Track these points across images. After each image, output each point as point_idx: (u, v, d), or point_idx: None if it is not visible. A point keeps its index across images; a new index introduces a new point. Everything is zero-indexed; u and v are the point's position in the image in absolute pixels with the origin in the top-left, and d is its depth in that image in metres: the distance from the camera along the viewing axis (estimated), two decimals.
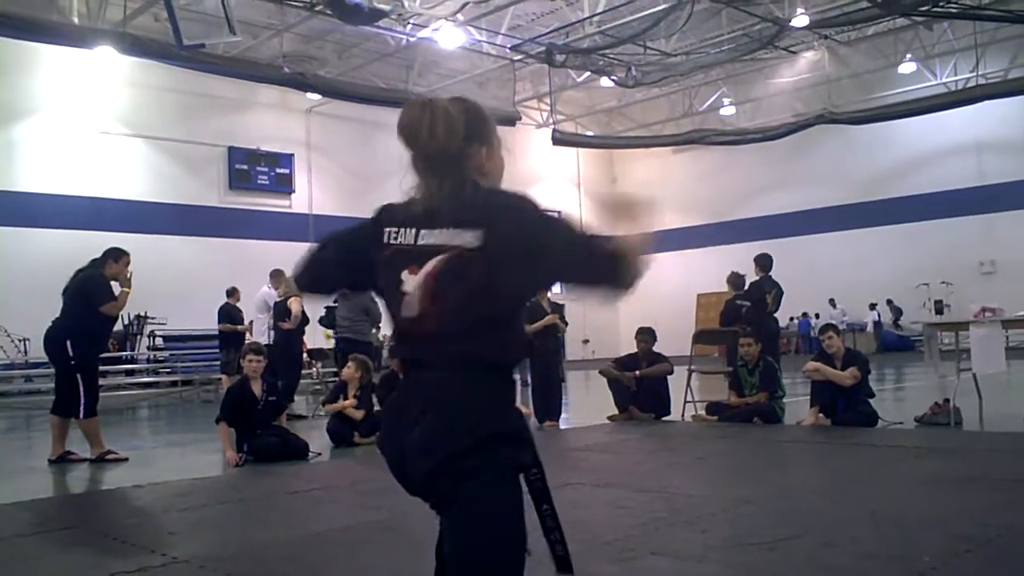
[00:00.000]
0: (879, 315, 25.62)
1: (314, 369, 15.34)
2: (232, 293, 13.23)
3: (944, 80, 23.29)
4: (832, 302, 26.01)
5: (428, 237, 1.87)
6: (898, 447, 6.42)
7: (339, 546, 3.96)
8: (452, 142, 1.89)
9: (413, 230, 1.89)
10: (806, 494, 4.82)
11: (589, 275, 1.87)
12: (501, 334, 1.87)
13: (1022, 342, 17.07)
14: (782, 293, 9.87)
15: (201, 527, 4.55)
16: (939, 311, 22.34)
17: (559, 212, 1.93)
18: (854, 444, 6.69)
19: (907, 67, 23.63)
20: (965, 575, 3.18)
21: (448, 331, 1.82)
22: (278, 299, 11.08)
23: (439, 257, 1.83)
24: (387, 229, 1.93)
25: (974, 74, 21.57)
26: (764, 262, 9.98)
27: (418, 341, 1.87)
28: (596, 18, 18.73)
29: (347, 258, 2.06)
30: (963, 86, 22.11)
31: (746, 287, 10.02)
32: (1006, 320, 7.69)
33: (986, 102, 20.41)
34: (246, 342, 10.72)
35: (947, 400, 7.55)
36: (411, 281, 1.86)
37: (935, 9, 16.84)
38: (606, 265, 1.81)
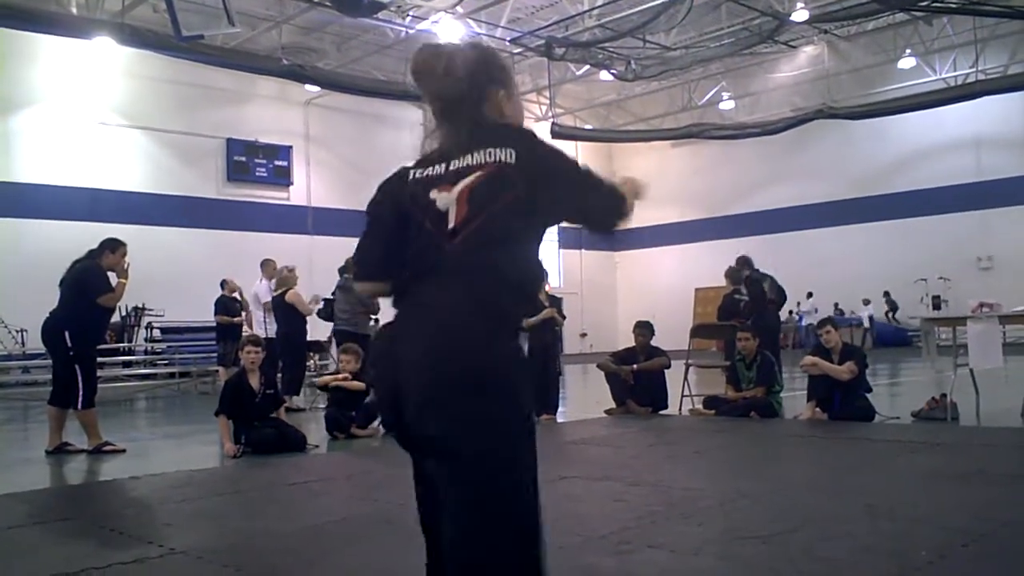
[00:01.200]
0: (874, 310, 25.56)
1: (311, 362, 15.33)
2: (227, 285, 13.21)
3: (943, 76, 23.25)
4: (809, 294, 25.86)
5: (460, 162, 1.85)
6: (895, 442, 6.43)
7: (336, 538, 3.96)
8: (465, 83, 1.88)
9: (442, 164, 1.87)
10: (802, 488, 4.83)
11: (593, 206, 1.95)
12: (524, 255, 1.86)
13: (1019, 337, 17.12)
14: (778, 287, 9.93)
15: (198, 519, 4.55)
16: (936, 306, 22.37)
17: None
18: (851, 439, 6.70)
19: (906, 62, 23.56)
20: (961, 570, 3.19)
21: (480, 240, 1.78)
22: (274, 293, 11.00)
23: (476, 173, 1.81)
24: (412, 172, 1.92)
25: (973, 70, 21.55)
26: (743, 262, 10.18)
27: (440, 256, 1.80)
28: (595, 11, 18.69)
29: (396, 218, 1.91)
30: (962, 82, 22.04)
31: (743, 282, 10.06)
32: (1003, 316, 7.68)
33: (985, 98, 20.35)
34: (244, 334, 10.72)
35: (944, 395, 7.56)
36: (444, 197, 1.83)
37: (935, 4, 16.83)
38: (608, 200, 1.94)
